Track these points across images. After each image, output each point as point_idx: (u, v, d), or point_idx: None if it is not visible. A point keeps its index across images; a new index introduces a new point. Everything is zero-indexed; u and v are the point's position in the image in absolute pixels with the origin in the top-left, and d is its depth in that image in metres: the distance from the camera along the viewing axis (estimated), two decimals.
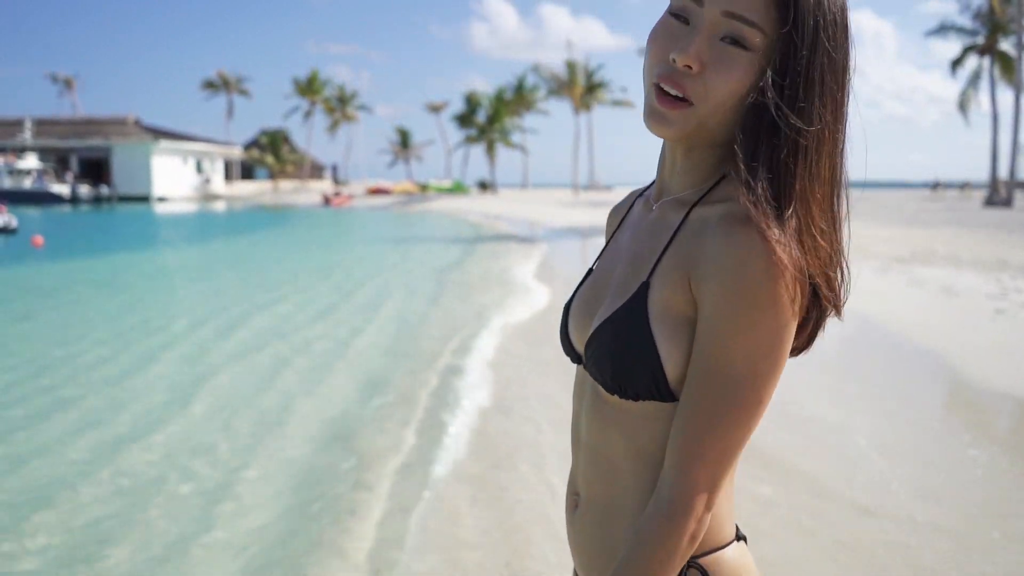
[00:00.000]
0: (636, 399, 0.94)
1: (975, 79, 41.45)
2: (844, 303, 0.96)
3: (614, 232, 1.17)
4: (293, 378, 6.96)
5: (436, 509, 4.08)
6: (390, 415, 5.81)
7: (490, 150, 71.18)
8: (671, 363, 0.92)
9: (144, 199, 57.24)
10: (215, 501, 4.28)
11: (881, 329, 8.46)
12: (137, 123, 63.83)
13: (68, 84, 76.59)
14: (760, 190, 0.88)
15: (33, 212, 40.32)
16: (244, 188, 72.69)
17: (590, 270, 1.14)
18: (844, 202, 0.96)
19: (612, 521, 1.00)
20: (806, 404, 5.77)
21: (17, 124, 62.19)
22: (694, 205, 0.97)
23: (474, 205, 49.09)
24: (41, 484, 4.55)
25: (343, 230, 31.54)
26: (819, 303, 0.93)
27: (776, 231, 0.86)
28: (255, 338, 8.72)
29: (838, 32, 0.92)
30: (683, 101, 0.91)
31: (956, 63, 41.23)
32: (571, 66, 63.42)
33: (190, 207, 51.44)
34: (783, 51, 0.90)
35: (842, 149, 0.95)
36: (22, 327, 9.58)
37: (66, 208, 48.12)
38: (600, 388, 1.00)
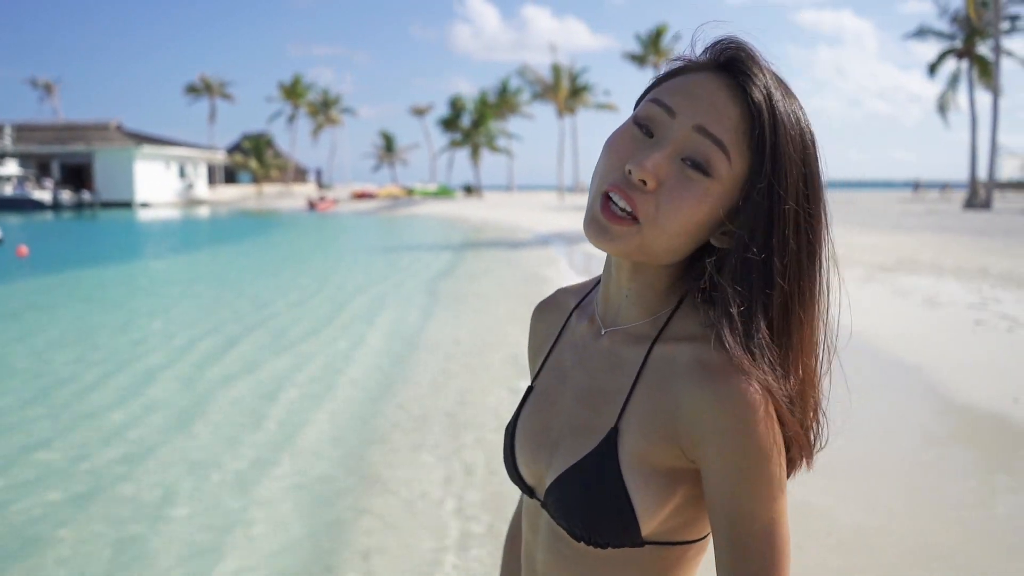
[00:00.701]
0: (605, 547, 0.91)
1: (954, 82, 42.09)
2: (819, 449, 0.93)
3: (551, 346, 1.08)
4: (294, 396, 7.04)
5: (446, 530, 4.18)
6: (396, 435, 5.91)
7: (475, 154, 71.29)
8: (645, 514, 0.88)
9: (127, 205, 56.89)
10: (220, 529, 4.36)
11: (863, 343, 8.65)
12: (119, 128, 63.40)
13: (49, 89, 75.91)
14: (760, 349, 0.84)
15: (14, 219, 39.97)
16: (228, 193, 72.38)
17: (530, 388, 1.08)
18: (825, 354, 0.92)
19: None
20: None
21: None
22: (654, 342, 0.92)
23: (460, 209, 49.18)
24: (35, 516, 4.61)
25: (330, 237, 31.54)
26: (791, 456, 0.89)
27: (770, 385, 0.83)
28: (250, 358, 8.78)
29: (814, 162, 0.88)
30: (629, 217, 0.86)
31: (933, 67, 41.88)
32: (556, 70, 63.64)
33: (173, 213, 51.18)
34: (763, 189, 0.85)
35: (823, 294, 0.91)
36: (14, 347, 9.58)
37: (48, 215, 47.75)
38: (558, 527, 0.95)
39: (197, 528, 4.41)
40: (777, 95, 0.87)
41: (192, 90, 77.82)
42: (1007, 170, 60.57)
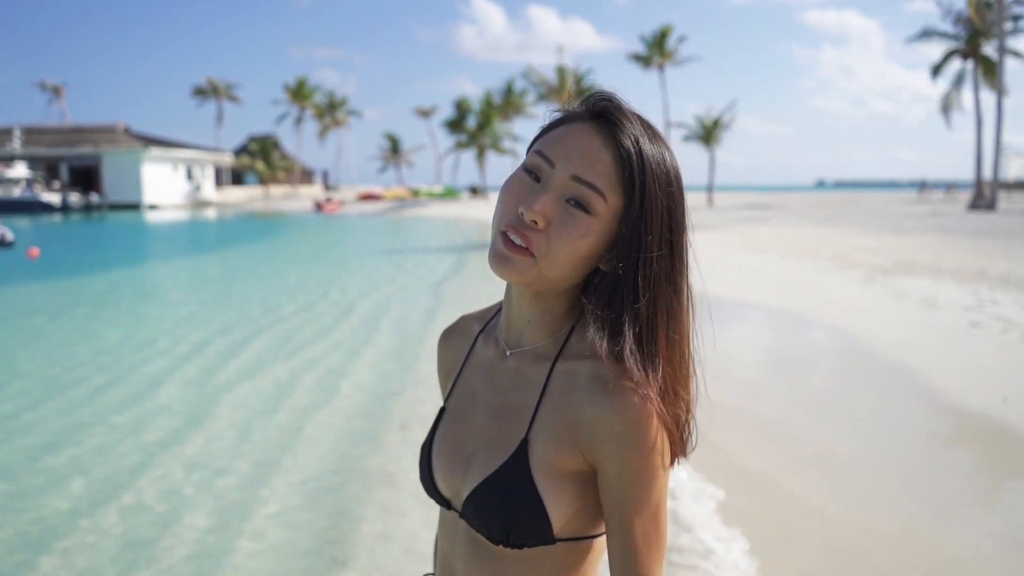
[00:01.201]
0: (522, 548, 1.00)
1: (958, 82, 42.04)
2: (691, 448, 1.05)
3: (460, 368, 1.19)
4: (302, 399, 7.24)
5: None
6: (401, 433, 6.11)
7: (480, 156, 71.47)
8: (556, 513, 0.99)
9: (135, 207, 57.23)
10: (230, 523, 4.56)
11: (858, 344, 8.81)
12: (127, 131, 63.77)
13: (57, 92, 76.34)
14: (628, 358, 0.96)
15: (24, 222, 40.32)
16: (235, 194, 72.72)
17: (443, 408, 1.18)
18: (694, 359, 1.05)
19: None
20: (786, 422, 6.10)
21: (6, 133, 62.05)
22: (556, 360, 1.04)
23: (466, 211, 49.35)
24: (45, 518, 4.81)
25: (336, 238, 31.76)
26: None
27: (651, 392, 0.96)
28: (258, 360, 8.99)
29: (681, 207, 1.01)
30: (526, 250, 0.97)
31: (937, 68, 41.83)
32: (561, 71, 63.74)
33: (181, 214, 51.49)
34: (628, 222, 0.98)
35: (690, 308, 1.04)
36: (31, 348, 9.81)
37: (56, 217, 48.11)
38: (478, 535, 1.04)
39: (208, 522, 4.61)
40: (644, 140, 0.99)
41: (199, 92, 78.20)
42: (1013, 170, 60.47)
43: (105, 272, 18.76)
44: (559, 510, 0.99)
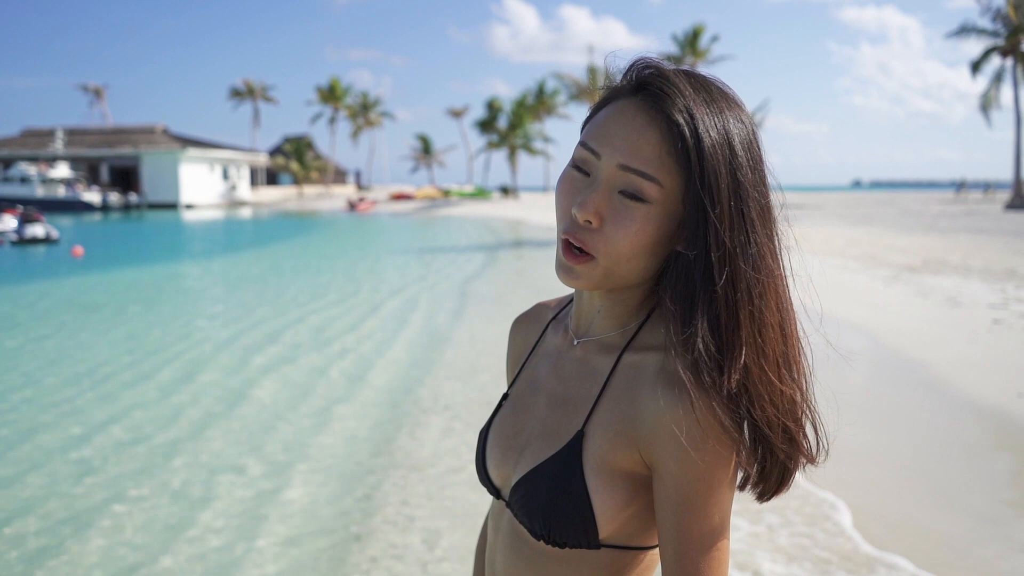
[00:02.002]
0: (563, 547, 0.94)
1: (997, 80, 41.31)
2: (821, 453, 0.93)
3: (527, 356, 1.14)
4: (331, 390, 7.53)
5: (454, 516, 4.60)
6: (425, 420, 6.36)
7: (512, 156, 71.73)
8: (604, 516, 0.92)
9: (172, 206, 58.42)
10: (260, 503, 4.84)
11: (875, 339, 8.88)
12: (165, 132, 65.15)
13: (98, 94, 78.20)
14: (700, 348, 0.87)
15: (66, 220, 41.46)
16: (269, 194, 73.86)
17: (505, 395, 1.13)
18: (803, 344, 0.94)
19: None
20: None
21: (49, 134, 63.83)
22: (623, 351, 0.97)
23: (496, 210, 49.64)
24: (95, 486, 5.14)
25: (368, 237, 32.21)
26: (774, 454, 0.89)
27: (719, 397, 0.86)
28: (289, 352, 9.31)
29: (752, 166, 0.91)
30: (586, 255, 0.92)
31: (976, 65, 41.14)
32: (592, 71, 63.73)
33: (217, 214, 52.46)
34: (691, 199, 0.89)
35: (784, 284, 0.93)
36: (78, 339, 10.25)
37: (97, 216, 49.32)
38: (519, 526, 1.00)
39: (239, 501, 4.90)
40: (696, 108, 0.89)
41: (236, 94, 79.55)
42: None
43: (145, 268, 19.34)
44: (607, 512, 0.92)
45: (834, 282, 13.45)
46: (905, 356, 8.15)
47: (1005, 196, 47.82)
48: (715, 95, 0.91)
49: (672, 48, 60.29)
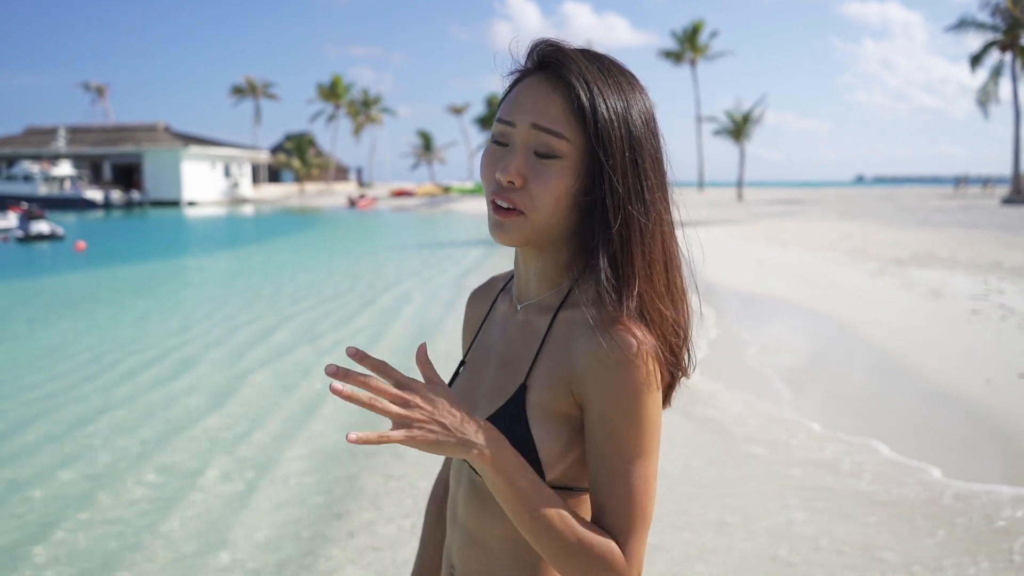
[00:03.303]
0: None
1: (995, 74, 41.33)
2: (691, 367, 1.07)
3: (480, 325, 1.25)
4: (321, 381, 7.74)
5: None
6: None
7: None
8: (549, 460, 1.02)
9: (174, 203, 58.65)
10: (245, 487, 5.06)
11: (850, 331, 9.07)
12: (167, 129, 65.36)
13: (100, 92, 78.46)
14: (603, 280, 1.00)
15: (69, 217, 41.72)
16: (271, 191, 74.09)
17: (462, 362, 1.24)
18: (684, 275, 1.08)
19: None
20: (759, 400, 6.46)
21: (51, 132, 64.12)
22: (558, 310, 1.07)
23: None
24: (85, 476, 5.37)
25: (369, 234, 32.41)
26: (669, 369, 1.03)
27: (634, 328, 0.98)
28: (281, 346, 9.53)
29: (645, 124, 1.04)
30: (514, 211, 1.03)
31: (975, 60, 41.16)
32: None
33: (219, 211, 52.68)
34: (592, 153, 1.01)
35: (670, 228, 1.06)
36: (77, 331, 10.49)
37: (99, 213, 49.59)
38: (478, 477, 1.08)
39: (225, 483, 5.12)
40: (589, 74, 1.02)
41: (237, 91, 79.76)
42: None
43: (146, 264, 19.58)
44: (552, 456, 1.02)
45: (822, 275, 13.65)
46: (877, 346, 8.34)
47: (1004, 191, 47.89)
48: (608, 66, 1.05)
49: (671, 44, 60.29)
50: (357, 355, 0.91)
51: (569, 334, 1.03)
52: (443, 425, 0.93)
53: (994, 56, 40.92)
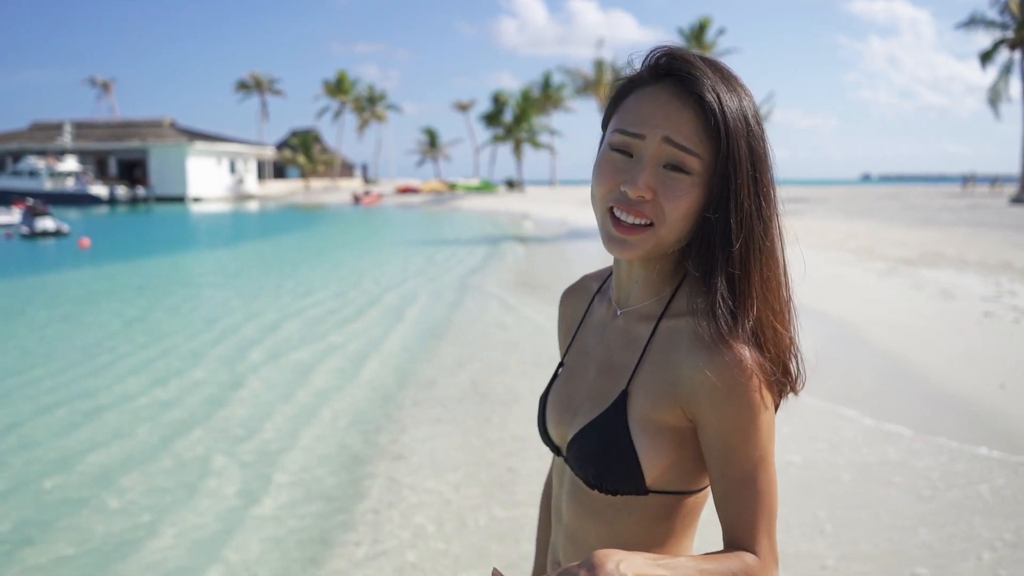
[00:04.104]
0: (615, 495, 1.07)
1: (1005, 72, 41.04)
2: (800, 383, 1.09)
3: (577, 328, 1.27)
4: (323, 381, 7.67)
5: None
6: (417, 409, 6.49)
7: (517, 149, 71.76)
8: (649, 465, 1.04)
9: (180, 199, 58.73)
10: (251, 485, 4.98)
11: (857, 331, 8.95)
12: (173, 125, 65.43)
13: (106, 88, 78.52)
14: (719, 300, 1.01)
15: (74, 214, 41.77)
16: (276, 188, 74.11)
17: (561, 364, 1.26)
18: (791, 291, 1.10)
19: None
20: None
21: (57, 128, 64.19)
22: (660, 318, 1.09)
23: (501, 204, 49.69)
24: (90, 473, 5.29)
25: (373, 230, 32.36)
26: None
27: (746, 349, 1.00)
28: (287, 342, 9.46)
29: (760, 140, 1.04)
30: (642, 227, 1.03)
31: (985, 57, 40.86)
32: (599, 64, 63.67)
33: (224, 207, 52.74)
34: (719, 170, 1.01)
35: (783, 245, 1.08)
36: (81, 328, 10.43)
37: (104, 209, 49.64)
38: (578, 479, 1.12)
39: (228, 483, 5.04)
40: (721, 88, 1.02)
41: (243, 87, 79.77)
42: None
43: (150, 260, 19.55)
44: (652, 462, 1.04)
45: (828, 275, 13.53)
46: (886, 349, 8.22)
47: (1013, 190, 47.60)
48: (729, 76, 1.05)
49: (678, 41, 59.99)
50: None
51: (672, 345, 1.05)
52: None
53: (1004, 54, 40.65)
